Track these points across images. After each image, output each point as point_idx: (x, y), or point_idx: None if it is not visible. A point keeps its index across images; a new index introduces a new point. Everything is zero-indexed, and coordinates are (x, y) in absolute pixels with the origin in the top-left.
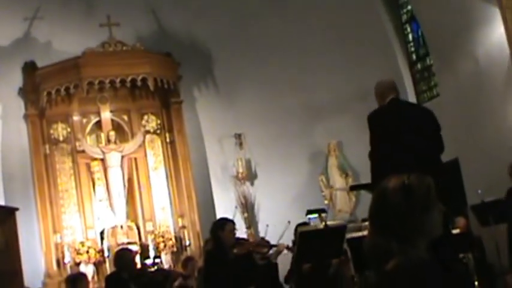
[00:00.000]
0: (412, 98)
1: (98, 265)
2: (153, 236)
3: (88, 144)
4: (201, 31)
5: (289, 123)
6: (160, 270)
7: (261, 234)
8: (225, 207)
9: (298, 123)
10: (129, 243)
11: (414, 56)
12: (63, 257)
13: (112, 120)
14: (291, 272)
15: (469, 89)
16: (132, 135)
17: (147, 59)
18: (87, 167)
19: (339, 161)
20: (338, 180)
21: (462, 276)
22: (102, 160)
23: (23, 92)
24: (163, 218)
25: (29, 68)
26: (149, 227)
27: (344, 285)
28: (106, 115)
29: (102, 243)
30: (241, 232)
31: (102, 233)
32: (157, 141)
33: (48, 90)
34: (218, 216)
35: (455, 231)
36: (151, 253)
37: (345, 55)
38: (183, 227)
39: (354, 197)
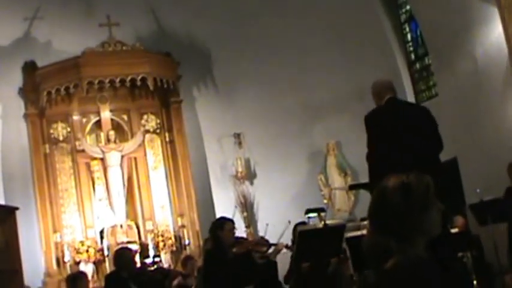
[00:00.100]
0: (410, 98)
1: (98, 264)
2: (152, 235)
3: (88, 143)
4: (200, 31)
5: (288, 122)
6: (160, 269)
7: (260, 233)
8: (225, 206)
9: (297, 122)
10: (128, 242)
11: (413, 56)
12: (63, 256)
13: (112, 120)
14: (290, 271)
15: (467, 88)
16: (132, 135)
17: (146, 59)
18: (87, 167)
19: (337, 160)
20: (337, 180)
21: (460, 275)
22: (102, 159)
23: (23, 92)
24: (162, 217)
25: (29, 68)
26: (149, 226)
27: (343, 284)
28: (106, 115)
29: (101, 242)
30: (240, 231)
31: (101, 232)
32: (157, 141)
33: (48, 90)
34: (217, 215)
35: (453, 230)
36: (151, 252)
37: (344, 55)
38: (183, 226)
39: (353, 196)
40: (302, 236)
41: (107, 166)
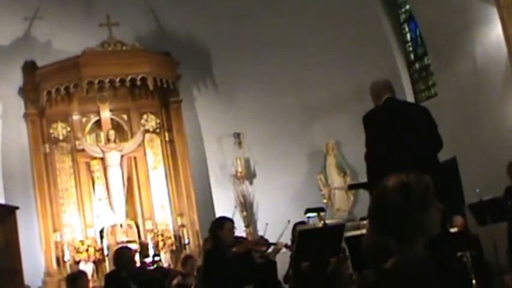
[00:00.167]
0: (410, 98)
1: (98, 263)
2: (152, 235)
3: (88, 143)
4: (200, 31)
5: (288, 122)
6: (160, 268)
7: (260, 233)
8: (224, 206)
9: (297, 122)
10: (128, 241)
11: (412, 56)
12: (63, 256)
13: (111, 120)
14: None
15: (467, 88)
16: (132, 135)
17: (146, 59)
18: (87, 166)
19: (337, 160)
20: (336, 179)
21: (460, 275)
22: (102, 159)
23: (23, 92)
24: (162, 217)
25: (29, 68)
26: (148, 225)
27: (342, 283)
28: (106, 114)
29: (101, 241)
30: (240, 231)
31: (101, 231)
32: (157, 141)
33: (48, 90)
34: (217, 215)
35: (453, 230)
36: (151, 252)
37: (344, 55)
38: (182, 225)
39: (352, 195)
40: (302, 235)
41: (107, 166)
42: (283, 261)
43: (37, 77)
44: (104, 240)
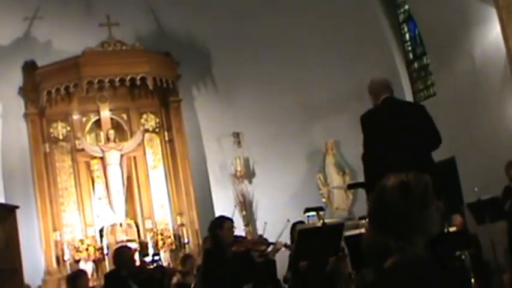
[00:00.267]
0: (409, 97)
1: (97, 262)
2: (152, 234)
3: (87, 142)
4: (199, 31)
5: (287, 122)
6: (159, 267)
7: (259, 232)
8: (224, 205)
9: (296, 122)
10: (128, 240)
11: (411, 55)
12: (62, 255)
13: (111, 119)
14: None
15: (465, 88)
16: (131, 134)
17: (146, 59)
18: (87, 166)
19: (336, 159)
20: (335, 179)
21: (459, 274)
22: (102, 158)
23: (23, 91)
24: (162, 216)
25: (29, 67)
26: (148, 224)
27: (341, 282)
28: (105, 114)
29: (101, 240)
30: (239, 230)
31: (101, 230)
32: (156, 140)
33: (48, 89)
34: (217, 214)
35: (452, 229)
36: (150, 251)
37: (343, 54)
38: (182, 224)
39: (351, 195)
40: (301, 234)
41: (107, 165)
42: (282, 261)
43: (37, 77)
44: (104, 239)
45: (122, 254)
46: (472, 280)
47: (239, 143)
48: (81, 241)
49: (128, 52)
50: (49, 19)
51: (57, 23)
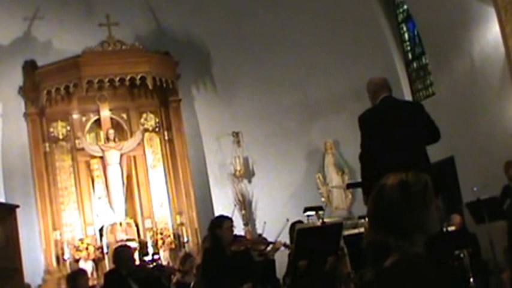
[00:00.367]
0: (408, 97)
1: (97, 262)
2: (151, 233)
3: (87, 142)
4: (199, 30)
5: (286, 121)
6: (159, 266)
7: (259, 231)
8: (223, 204)
9: (295, 121)
10: (128, 240)
11: (410, 55)
12: (62, 254)
13: (111, 119)
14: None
15: (464, 87)
16: (131, 134)
17: (145, 58)
18: (87, 165)
19: (335, 159)
20: (335, 178)
21: (458, 273)
22: (102, 158)
23: (23, 91)
24: (161, 215)
25: (29, 67)
26: (148, 224)
27: (340, 282)
28: (105, 113)
29: (101, 240)
30: (239, 229)
31: (101, 230)
32: (156, 139)
33: (48, 89)
34: (216, 213)
35: (450, 229)
36: (150, 250)
37: (342, 54)
38: (181, 224)
39: (350, 194)
40: (300, 234)
41: (107, 164)
42: (281, 260)
43: (37, 77)
44: (104, 238)
45: (121, 253)
46: (471, 279)
47: (238, 142)
48: (81, 240)
49: (128, 52)
50: (49, 19)
51: (57, 22)
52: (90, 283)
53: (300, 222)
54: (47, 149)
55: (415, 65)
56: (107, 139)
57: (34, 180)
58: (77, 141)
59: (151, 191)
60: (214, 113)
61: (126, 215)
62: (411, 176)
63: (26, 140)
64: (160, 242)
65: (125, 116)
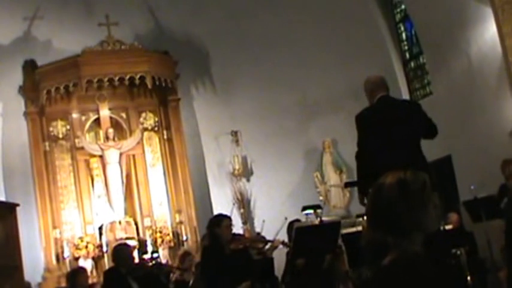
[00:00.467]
0: (405, 96)
1: (97, 260)
2: (150, 232)
3: (87, 141)
4: (198, 30)
5: (284, 120)
6: (158, 264)
7: (257, 230)
8: (222, 203)
9: (293, 120)
10: (127, 238)
11: (408, 55)
12: (62, 252)
13: (110, 118)
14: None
15: (462, 87)
16: (130, 133)
17: (145, 58)
18: (86, 164)
19: (333, 158)
20: (333, 177)
21: (455, 271)
22: (101, 157)
23: (23, 90)
24: (160, 214)
25: (29, 67)
26: (147, 222)
27: (338, 280)
28: (105, 113)
29: (100, 238)
30: (237, 228)
31: (100, 228)
32: (155, 139)
33: (47, 89)
34: (215, 212)
35: (448, 227)
36: (149, 248)
37: (340, 54)
38: (180, 222)
39: (348, 193)
40: (299, 232)
41: (106, 163)
42: (280, 258)
43: (37, 76)
44: (103, 237)
45: (120, 251)
46: (468, 278)
47: (237, 141)
48: (81, 239)
49: (127, 51)
50: (49, 19)
51: (57, 22)
52: (90, 281)
53: (298, 220)
54: (47, 148)
55: (412, 64)
56: (107, 138)
57: (34, 178)
58: (76, 140)
59: (151, 190)
60: (213, 112)
61: (126, 213)
62: (409, 175)
63: (26, 139)
64: (159, 240)
65: (124, 115)
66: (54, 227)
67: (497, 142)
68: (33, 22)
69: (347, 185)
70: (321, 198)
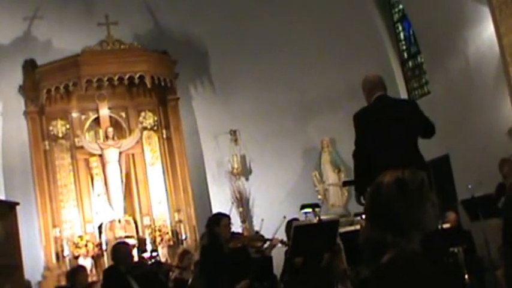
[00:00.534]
0: (403, 96)
1: (96, 258)
2: (150, 230)
3: (87, 140)
4: (197, 30)
5: (283, 120)
6: (157, 262)
7: (256, 229)
8: (221, 202)
9: (292, 120)
10: (126, 237)
11: (405, 54)
12: (62, 251)
13: (110, 117)
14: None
15: (459, 86)
16: (130, 132)
17: (144, 57)
18: (86, 163)
19: (331, 157)
20: (331, 176)
21: (453, 270)
22: (101, 156)
23: (23, 90)
24: (160, 213)
25: (29, 66)
26: (146, 221)
27: (336, 278)
28: (104, 112)
29: (100, 237)
30: (236, 226)
31: (100, 227)
32: (154, 138)
33: (47, 88)
34: (214, 210)
35: (445, 226)
36: (149, 247)
37: (338, 53)
38: (180, 221)
39: (347, 192)
40: (297, 231)
41: (105, 162)
42: (278, 257)
43: (37, 76)
44: (103, 235)
45: (120, 250)
46: (466, 276)
47: (236, 140)
48: (81, 237)
49: (127, 51)
50: (49, 19)
51: (57, 22)
52: (89, 279)
53: (296, 219)
54: (47, 147)
55: (410, 64)
56: (106, 137)
57: (34, 177)
58: (76, 140)
59: (150, 189)
60: (212, 111)
61: (125, 212)
62: (408, 174)
63: (26, 138)
64: (158, 239)
65: (123, 114)
66: (54, 226)
67: (495, 141)
68: (33, 22)
69: (345, 184)
70: (319, 197)
